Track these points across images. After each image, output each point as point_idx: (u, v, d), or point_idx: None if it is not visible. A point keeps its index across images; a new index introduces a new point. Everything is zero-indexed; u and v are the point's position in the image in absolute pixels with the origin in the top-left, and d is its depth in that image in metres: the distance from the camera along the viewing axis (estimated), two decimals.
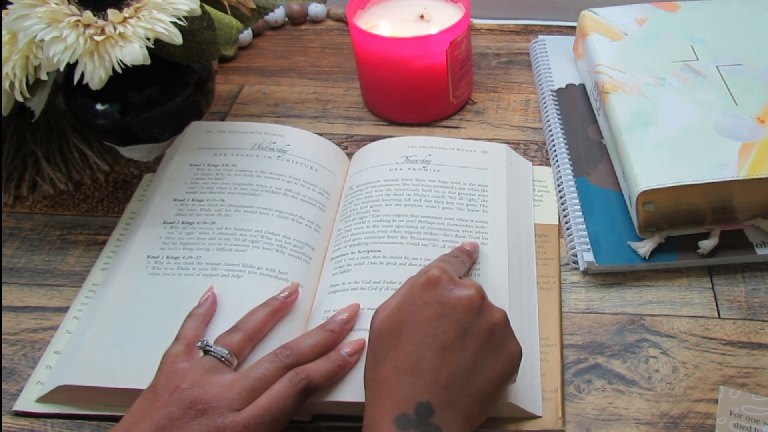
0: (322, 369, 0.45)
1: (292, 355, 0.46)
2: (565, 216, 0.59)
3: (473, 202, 0.57)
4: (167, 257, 0.54)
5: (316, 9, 0.85)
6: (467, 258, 0.51)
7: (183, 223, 0.57)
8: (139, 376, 0.47)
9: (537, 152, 0.66)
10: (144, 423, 0.42)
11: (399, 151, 0.61)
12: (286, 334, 0.50)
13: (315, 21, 0.86)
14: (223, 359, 0.45)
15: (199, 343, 0.46)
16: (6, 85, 0.55)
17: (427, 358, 0.41)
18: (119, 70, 0.52)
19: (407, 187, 0.58)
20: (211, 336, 0.48)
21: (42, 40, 0.51)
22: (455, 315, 0.42)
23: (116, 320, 0.51)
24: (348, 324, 0.49)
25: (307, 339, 0.47)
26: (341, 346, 0.47)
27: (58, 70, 0.53)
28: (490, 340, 0.43)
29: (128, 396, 0.47)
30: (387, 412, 0.40)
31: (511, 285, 0.52)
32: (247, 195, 0.58)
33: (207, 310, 0.50)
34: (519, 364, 0.44)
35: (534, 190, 0.62)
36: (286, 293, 0.51)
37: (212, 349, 0.46)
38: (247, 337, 0.47)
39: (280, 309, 0.50)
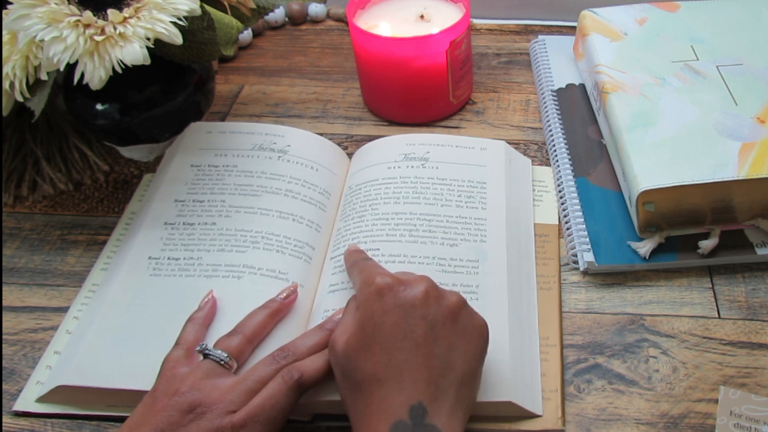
0: (316, 364, 0.45)
1: (290, 356, 0.45)
2: (565, 216, 0.59)
3: (472, 199, 0.57)
4: (168, 258, 0.54)
5: (316, 9, 0.85)
6: (368, 255, 0.51)
7: (184, 224, 0.57)
8: (140, 377, 0.47)
9: (537, 152, 0.66)
10: (143, 427, 0.42)
11: (397, 149, 0.61)
12: (286, 334, 0.50)
13: (315, 21, 0.86)
14: (223, 362, 0.45)
15: (199, 347, 0.46)
16: (6, 85, 0.55)
17: (404, 360, 0.41)
18: (119, 70, 0.52)
19: (406, 185, 0.58)
20: (211, 339, 0.48)
21: (42, 40, 0.51)
22: (417, 311, 0.42)
23: (117, 321, 0.51)
24: None
25: (304, 340, 0.47)
26: None
27: (58, 70, 0.53)
28: (456, 323, 0.43)
29: (128, 397, 0.47)
30: (381, 423, 0.39)
31: (510, 283, 0.52)
32: (247, 196, 0.58)
33: (207, 314, 0.50)
34: (488, 334, 0.44)
35: (534, 189, 0.62)
36: (285, 294, 0.51)
37: (211, 353, 0.46)
38: (246, 340, 0.47)
39: (279, 311, 0.50)
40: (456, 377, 0.41)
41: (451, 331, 0.42)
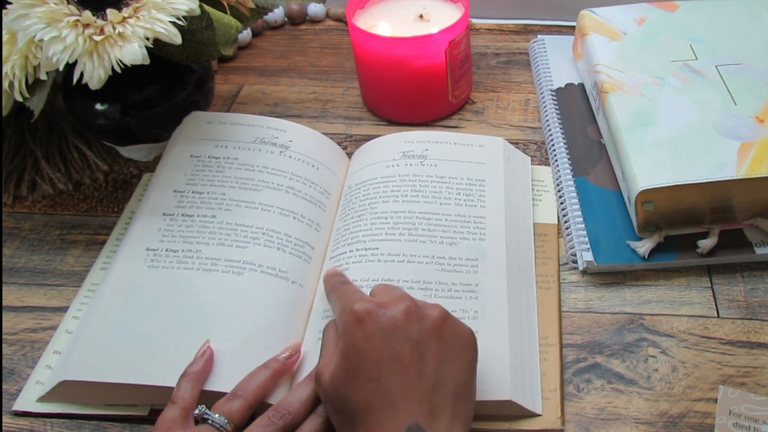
0: (314, 427, 0.44)
1: (286, 415, 0.44)
2: (564, 215, 0.59)
3: (471, 198, 0.57)
4: (166, 250, 0.54)
5: (315, 9, 0.85)
6: (347, 279, 0.51)
7: (183, 215, 0.56)
8: (138, 372, 0.47)
9: (536, 152, 0.66)
10: None
11: (396, 147, 0.61)
12: (287, 336, 0.50)
13: (314, 21, 0.86)
14: (222, 429, 0.43)
15: (197, 411, 0.45)
16: (5, 85, 0.55)
17: (395, 384, 0.40)
18: (118, 70, 0.52)
19: (404, 183, 0.58)
20: (206, 336, 0.48)
21: (41, 40, 0.51)
22: (400, 333, 0.41)
23: (115, 314, 0.50)
24: None
25: (296, 395, 0.45)
26: None
27: (58, 69, 0.53)
28: (441, 338, 0.42)
29: (130, 392, 0.47)
30: None
31: (509, 282, 0.52)
32: (248, 190, 0.58)
33: (202, 369, 0.47)
34: (476, 343, 0.44)
35: (533, 189, 0.62)
36: (287, 354, 0.48)
37: (210, 418, 0.44)
38: (247, 405, 0.45)
39: (281, 371, 0.48)
40: (449, 392, 0.41)
41: (438, 347, 0.41)
